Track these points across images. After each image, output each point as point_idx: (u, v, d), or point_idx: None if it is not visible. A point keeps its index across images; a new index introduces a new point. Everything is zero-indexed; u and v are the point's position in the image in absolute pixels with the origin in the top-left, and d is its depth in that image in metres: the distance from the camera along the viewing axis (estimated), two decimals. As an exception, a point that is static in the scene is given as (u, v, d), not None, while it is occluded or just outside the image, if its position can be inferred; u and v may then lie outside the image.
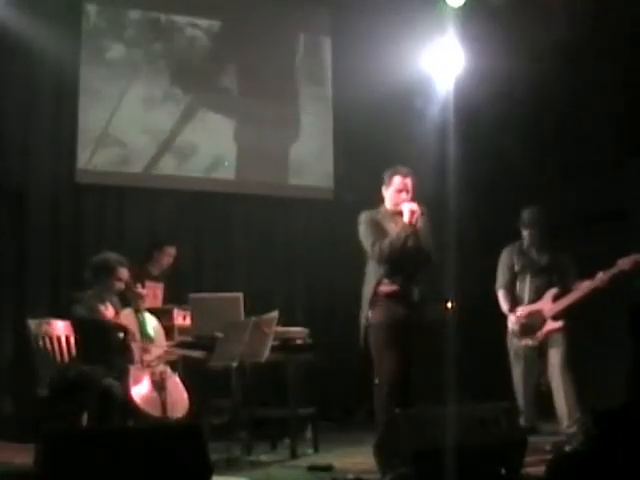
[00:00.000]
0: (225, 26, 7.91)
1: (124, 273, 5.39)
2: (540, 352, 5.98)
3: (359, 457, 5.32)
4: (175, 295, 6.61)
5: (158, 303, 6.45)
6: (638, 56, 7.11)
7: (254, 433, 5.74)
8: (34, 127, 7.04)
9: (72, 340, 5.37)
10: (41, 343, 5.34)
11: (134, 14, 7.57)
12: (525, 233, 6.10)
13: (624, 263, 5.76)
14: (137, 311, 5.38)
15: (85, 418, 5.08)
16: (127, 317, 5.34)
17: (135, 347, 5.25)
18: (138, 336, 5.31)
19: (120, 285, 5.39)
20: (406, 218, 5.25)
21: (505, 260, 6.16)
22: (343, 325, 7.02)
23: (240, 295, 5.84)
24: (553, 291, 5.98)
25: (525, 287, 6.04)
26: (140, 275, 6.31)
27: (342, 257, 7.35)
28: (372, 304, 5.26)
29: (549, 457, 4.94)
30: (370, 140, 7.86)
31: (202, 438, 3.80)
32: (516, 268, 6.10)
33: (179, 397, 5.26)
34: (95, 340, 5.21)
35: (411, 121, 7.64)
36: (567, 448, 4.92)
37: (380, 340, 5.24)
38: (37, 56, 6.87)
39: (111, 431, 4.07)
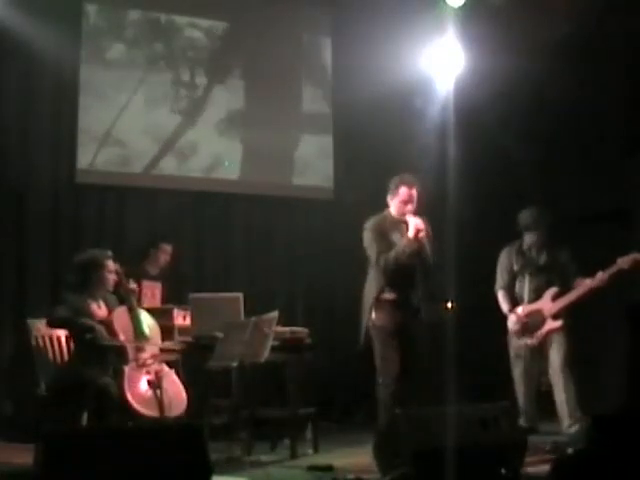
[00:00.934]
0: (225, 26, 7.90)
1: (111, 264, 5.36)
2: (540, 352, 5.98)
3: (359, 457, 5.32)
4: (175, 295, 6.61)
5: (157, 303, 6.45)
6: (638, 56, 7.11)
7: (254, 433, 5.74)
8: (34, 127, 7.03)
9: (71, 340, 5.36)
10: (41, 343, 5.34)
11: (134, 14, 7.57)
12: (525, 234, 6.10)
13: (624, 262, 5.77)
14: (131, 309, 5.36)
15: (85, 418, 5.07)
16: (121, 315, 5.32)
17: (129, 346, 5.22)
18: (132, 335, 5.28)
19: (112, 277, 5.36)
20: (411, 234, 5.42)
21: (504, 261, 6.17)
22: (343, 325, 7.02)
23: (240, 295, 5.84)
24: (553, 290, 5.98)
25: (524, 287, 6.05)
26: (138, 275, 6.31)
27: (342, 257, 7.36)
28: (374, 307, 5.47)
29: (549, 457, 4.97)
30: (370, 140, 7.86)
31: (202, 438, 3.80)
32: (515, 268, 6.10)
33: (176, 395, 5.23)
34: (88, 342, 5.18)
35: (411, 121, 7.64)
36: (570, 450, 4.91)
37: (383, 341, 5.45)
38: (37, 56, 6.86)
39: (111, 431, 4.07)
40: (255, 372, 5.74)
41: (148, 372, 5.18)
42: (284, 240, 7.86)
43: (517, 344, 6.01)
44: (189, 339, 5.82)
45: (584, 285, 5.91)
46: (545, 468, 4.66)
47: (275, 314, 5.41)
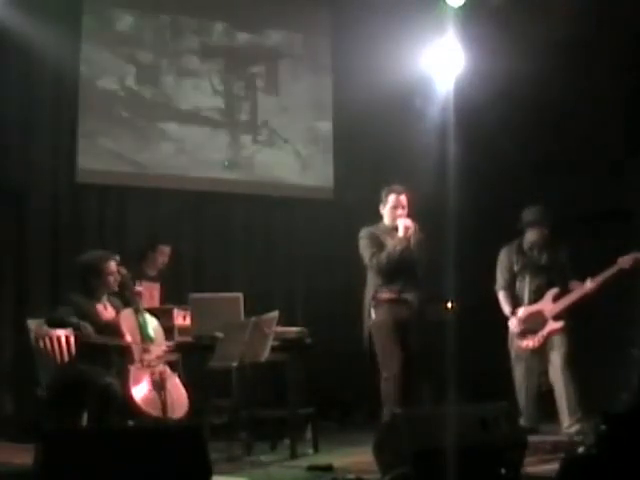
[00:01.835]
0: (225, 26, 7.90)
1: (112, 266, 5.35)
2: (541, 353, 5.98)
3: (359, 457, 5.32)
4: (175, 295, 6.61)
5: (155, 303, 6.44)
6: (638, 56, 7.11)
7: (254, 433, 5.74)
8: (34, 127, 7.03)
9: (72, 340, 5.36)
10: (41, 343, 5.33)
11: (134, 14, 7.57)
12: (527, 233, 6.09)
13: (624, 261, 5.77)
14: (137, 311, 5.38)
15: (85, 418, 5.07)
16: (127, 317, 5.33)
17: (135, 347, 5.24)
18: (138, 336, 5.31)
19: (115, 278, 5.36)
20: (401, 233, 5.72)
21: (504, 260, 6.16)
22: (343, 325, 7.02)
23: (240, 295, 5.84)
24: (553, 291, 5.98)
25: (525, 287, 6.04)
26: (136, 276, 6.30)
27: (342, 257, 7.35)
28: (373, 307, 5.69)
29: (549, 457, 4.97)
30: (370, 140, 7.86)
31: (202, 438, 3.80)
32: (515, 268, 6.10)
33: (179, 397, 5.25)
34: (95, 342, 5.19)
35: (411, 121, 7.65)
36: (580, 449, 4.90)
37: (384, 336, 5.63)
38: (37, 56, 6.86)
39: (111, 431, 4.07)
40: (255, 372, 5.74)
41: (152, 373, 5.19)
42: (284, 240, 7.86)
43: (518, 345, 6.01)
44: (189, 339, 5.82)
45: (581, 289, 5.91)
46: (545, 468, 4.68)
47: (275, 314, 5.41)
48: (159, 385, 5.12)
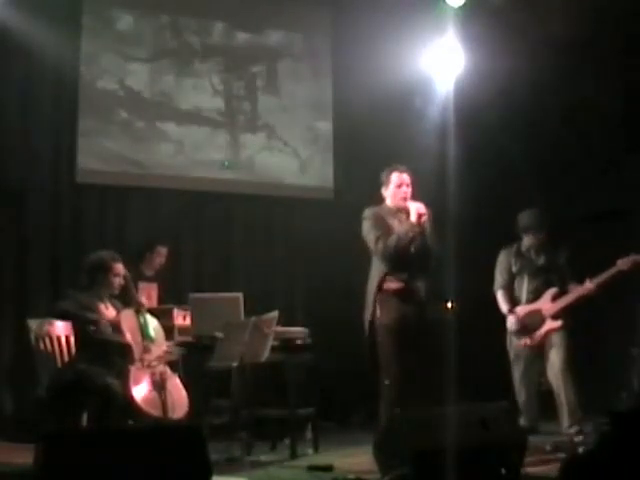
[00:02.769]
0: (225, 26, 7.90)
1: (120, 268, 5.38)
2: (540, 352, 5.99)
3: (359, 457, 5.32)
4: (175, 295, 6.61)
5: (153, 303, 6.44)
6: (637, 55, 7.11)
7: (254, 433, 5.74)
8: (34, 127, 7.03)
9: (72, 340, 5.37)
10: (41, 343, 5.33)
11: (134, 14, 7.57)
12: (524, 236, 6.10)
13: (623, 263, 5.77)
14: (138, 312, 5.38)
15: (85, 418, 5.07)
16: (128, 317, 5.33)
17: (135, 347, 5.24)
18: (139, 336, 5.30)
19: (119, 280, 5.38)
20: (413, 218, 5.31)
21: (503, 261, 6.18)
22: (343, 325, 7.02)
23: (240, 295, 5.84)
24: (552, 290, 5.99)
25: (523, 288, 6.06)
26: (134, 276, 6.30)
27: (342, 257, 7.36)
28: (378, 301, 5.31)
29: (549, 457, 4.97)
30: (370, 140, 7.86)
31: (202, 438, 3.80)
32: (514, 269, 6.11)
33: (179, 397, 5.25)
34: (95, 342, 5.20)
35: (411, 121, 7.64)
36: (581, 450, 4.91)
37: (388, 339, 5.29)
38: (37, 56, 6.86)
39: (111, 431, 4.07)
40: (255, 372, 5.74)
41: (153, 373, 5.19)
42: (284, 240, 7.86)
43: (517, 344, 6.02)
44: (189, 339, 5.82)
45: (580, 289, 5.91)
46: (545, 468, 4.68)
47: (275, 314, 5.41)
48: (159, 385, 5.13)
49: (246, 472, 5.08)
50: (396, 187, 5.47)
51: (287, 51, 8.10)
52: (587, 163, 7.41)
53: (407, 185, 5.46)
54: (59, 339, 5.39)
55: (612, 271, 5.81)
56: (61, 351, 5.38)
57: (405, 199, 5.44)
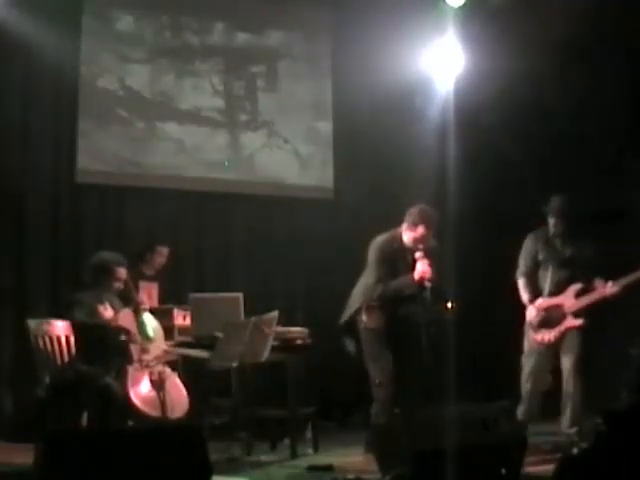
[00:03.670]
0: (225, 26, 7.90)
1: (122, 272, 5.40)
2: (555, 349, 5.83)
3: (359, 457, 5.32)
4: (175, 295, 6.61)
5: (153, 303, 6.43)
6: (638, 55, 7.11)
7: (254, 433, 5.75)
8: (34, 127, 7.03)
9: (72, 340, 5.37)
10: (41, 343, 5.34)
11: (134, 14, 7.57)
12: (551, 221, 5.94)
13: None
14: (137, 311, 5.38)
15: (85, 418, 5.07)
16: (126, 317, 5.33)
17: (134, 347, 5.24)
18: (137, 336, 5.31)
19: (119, 285, 5.40)
20: (416, 276, 5.42)
21: (529, 247, 5.96)
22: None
23: (240, 295, 5.85)
24: (576, 286, 5.78)
25: (547, 278, 5.83)
26: (134, 276, 6.30)
27: (342, 257, 7.35)
28: (365, 309, 5.55)
29: (549, 457, 4.97)
30: (370, 140, 7.86)
31: (202, 438, 3.80)
32: (540, 257, 5.89)
33: (178, 397, 5.25)
34: (95, 342, 5.21)
35: (411, 121, 7.64)
36: (576, 449, 4.89)
37: (374, 342, 5.51)
38: (37, 56, 6.86)
39: (111, 431, 4.08)
40: (255, 372, 5.75)
41: (151, 373, 5.19)
42: (284, 240, 7.85)
43: (533, 338, 5.85)
44: (189, 339, 5.82)
45: (603, 290, 5.72)
46: (545, 468, 4.68)
47: (275, 314, 5.42)
48: (158, 385, 5.12)
49: (246, 472, 5.09)
50: (415, 240, 5.52)
51: (287, 51, 8.10)
52: (588, 163, 7.41)
53: (426, 242, 5.52)
54: (59, 339, 5.40)
55: (638, 274, 5.63)
56: (61, 351, 5.38)
57: (418, 250, 5.50)
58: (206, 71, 7.79)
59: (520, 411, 5.75)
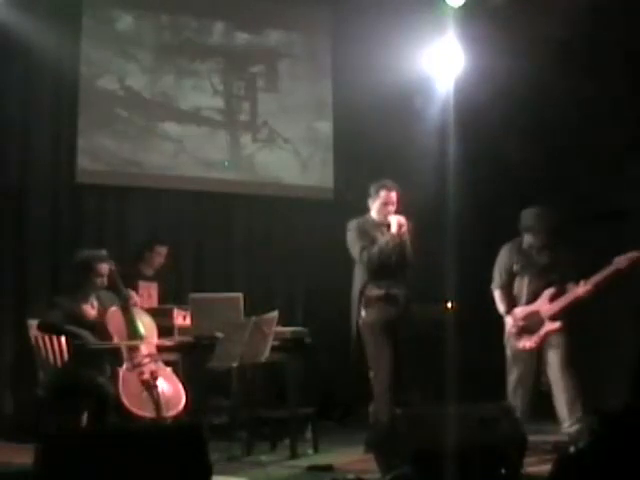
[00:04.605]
0: (225, 26, 7.90)
1: (103, 268, 5.32)
2: (539, 353, 5.94)
3: (359, 457, 5.32)
4: (175, 295, 6.61)
5: (153, 303, 6.44)
6: (638, 55, 7.10)
7: (254, 433, 5.74)
8: (34, 127, 7.03)
9: (68, 343, 5.35)
10: (41, 343, 5.33)
11: (134, 14, 7.57)
12: (526, 235, 6.04)
13: (620, 262, 5.71)
14: (125, 309, 5.33)
15: (85, 418, 5.07)
16: (114, 316, 5.30)
17: (123, 347, 5.20)
18: (126, 336, 5.25)
19: (102, 280, 5.32)
20: (394, 229, 5.70)
21: (504, 259, 6.07)
22: (343, 325, 7.01)
23: (240, 295, 5.84)
24: (550, 291, 5.90)
25: (523, 288, 5.98)
26: (133, 276, 6.29)
27: (342, 257, 7.33)
28: (363, 304, 5.70)
29: (549, 457, 4.97)
30: (370, 140, 7.86)
31: (202, 438, 3.80)
32: (515, 268, 6.02)
33: (173, 393, 5.20)
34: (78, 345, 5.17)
35: (411, 121, 7.64)
36: (572, 449, 4.89)
37: (373, 337, 5.65)
38: (37, 56, 6.86)
39: (111, 431, 4.07)
40: (255, 372, 5.75)
41: (143, 372, 5.14)
42: (284, 240, 7.85)
43: (515, 346, 5.96)
44: (189, 339, 5.82)
45: (575, 290, 5.86)
46: (545, 468, 4.67)
47: (275, 314, 5.42)
48: (150, 384, 5.08)
49: (246, 472, 5.08)
50: (382, 204, 5.81)
51: (287, 51, 8.10)
52: (587, 163, 7.40)
53: (393, 204, 5.80)
54: (58, 339, 5.39)
55: (609, 270, 5.76)
56: (61, 351, 5.38)
57: (387, 217, 5.78)
58: (206, 71, 7.79)
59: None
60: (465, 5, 7.05)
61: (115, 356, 5.18)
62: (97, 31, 7.38)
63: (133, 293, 5.60)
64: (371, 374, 5.60)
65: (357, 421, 7.19)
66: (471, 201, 7.46)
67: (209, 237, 7.65)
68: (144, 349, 5.27)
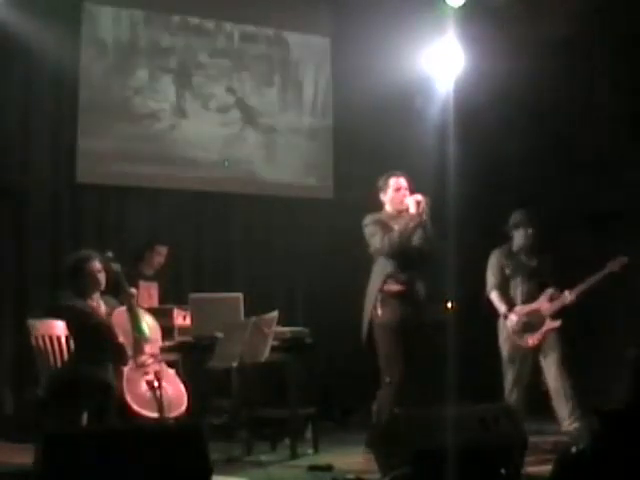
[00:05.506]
0: (227, 26, 7.91)
1: (94, 266, 5.29)
2: (535, 353, 5.98)
3: (359, 457, 5.32)
4: (175, 295, 6.61)
5: (154, 303, 6.43)
6: (637, 55, 7.11)
7: (254, 433, 5.74)
8: (34, 127, 7.03)
9: (71, 341, 5.36)
10: (41, 343, 5.33)
11: (134, 14, 7.57)
12: (516, 235, 6.10)
13: (613, 265, 5.86)
14: (130, 309, 5.34)
15: (85, 418, 5.06)
16: (120, 316, 5.30)
17: (128, 346, 5.20)
18: (131, 336, 5.25)
19: (97, 278, 5.31)
20: (412, 209, 5.44)
21: (495, 263, 6.16)
22: (343, 325, 7.02)
23: (240, 295, 5.84)
24: (550, 291, 6.01)
25: (517, 290, 6.06)
26: (133, 276, 6.29)
27: (342, 256, 7.36)
28: (380, 301, 5.43)
29: (549, 457, 4.97)
30: (370, 140, 7.86)
31: (202, 438, 3.80)
32: (507, 271, 6.10)
33: (176, 395, 5.20)
34: (90, 341, 5.17)
35: (411, 121, 7.65)
36: (572, 449, 4.89)
37: (387, 339, 5.42)
38: (37, 56, 6.86)
39: (111, 431, 4.07)
40: (255, 372, 5.74)
41: (147, 372, 5.14)
42: (284, 240, 7.85)
43: (513, 347, 6.00)
44: (189, 339, 5.82)
45: (561, 299, 5.95)
46: (545, 468, 4.67)
47: (275, 314, 5.42)
48: (154, 385, 5.08)
49: (246, 472, 5.08)
50: (395, 191, 5.62)
51: (287, 51, 8.10)
52: (587, 163, 7.41)
53: (405, 188, 5.60)
54: (59, 339, 5.39)
55: (602, 273, 5.87)
56: (61, 351, 5.38)
57: (403, 202, 5.56)
58: (207, 71, 7.79)
59: None
60: (465, 5, 7.05)
61: (119, 355, 5.17)
62: (97, 31, 7.38)
63: (134, 290, 5.61)
64: (385, 378, 5.42)
65: (357, 421, 7.21)
66: (471, 200, 7.46)
67: (209, 237, 7.65)
68: (148, 349, 5.28)
